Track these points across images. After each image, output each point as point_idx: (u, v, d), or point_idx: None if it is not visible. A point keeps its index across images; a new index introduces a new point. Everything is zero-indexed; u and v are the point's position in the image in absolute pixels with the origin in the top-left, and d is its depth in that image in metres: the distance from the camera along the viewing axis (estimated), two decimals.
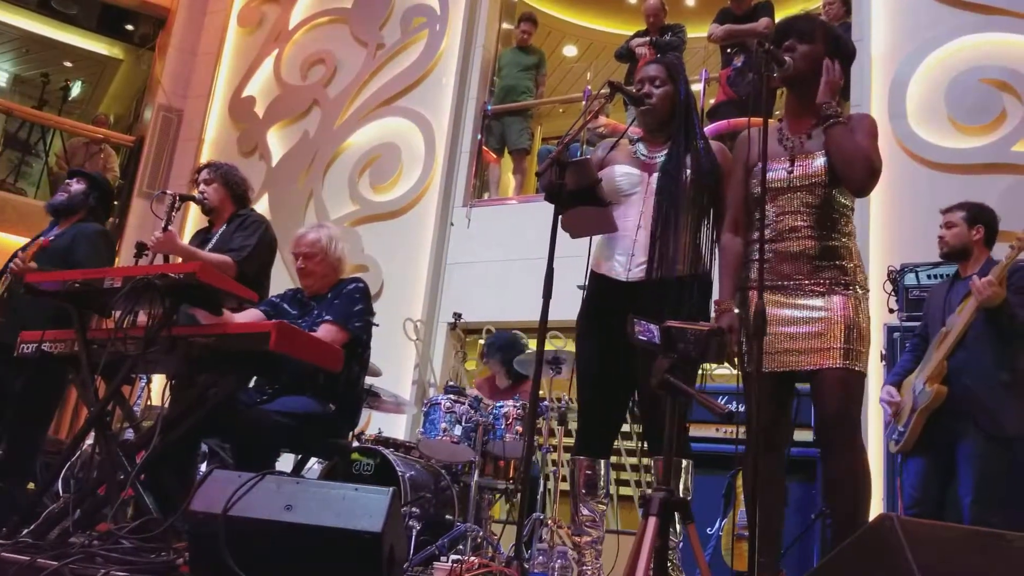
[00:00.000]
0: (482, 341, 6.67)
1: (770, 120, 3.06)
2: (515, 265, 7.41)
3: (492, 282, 7.63)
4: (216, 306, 3.59)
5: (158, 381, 5.20)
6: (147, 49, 11.57)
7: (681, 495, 3.33)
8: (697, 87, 7.54)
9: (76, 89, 13.27)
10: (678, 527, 3.23)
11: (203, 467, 4.65)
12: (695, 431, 4.82)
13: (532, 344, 6.66)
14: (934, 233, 4.63)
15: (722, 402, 3.73)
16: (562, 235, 3.21)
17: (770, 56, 3.07)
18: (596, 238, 3.60)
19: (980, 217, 4.48)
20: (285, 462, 4.30)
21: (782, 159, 3.21)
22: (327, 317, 4.14)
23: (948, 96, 6.33)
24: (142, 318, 3.45)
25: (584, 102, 8.17)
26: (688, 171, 3.45)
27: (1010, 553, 2.17)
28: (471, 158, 8.47)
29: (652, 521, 2.39)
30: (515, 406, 5.10)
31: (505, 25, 9.39)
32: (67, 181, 5.35)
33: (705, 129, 3.82)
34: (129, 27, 12.35)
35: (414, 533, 4.53)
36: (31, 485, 4.96)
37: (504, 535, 5.28)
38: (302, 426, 3.97)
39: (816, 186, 3.14)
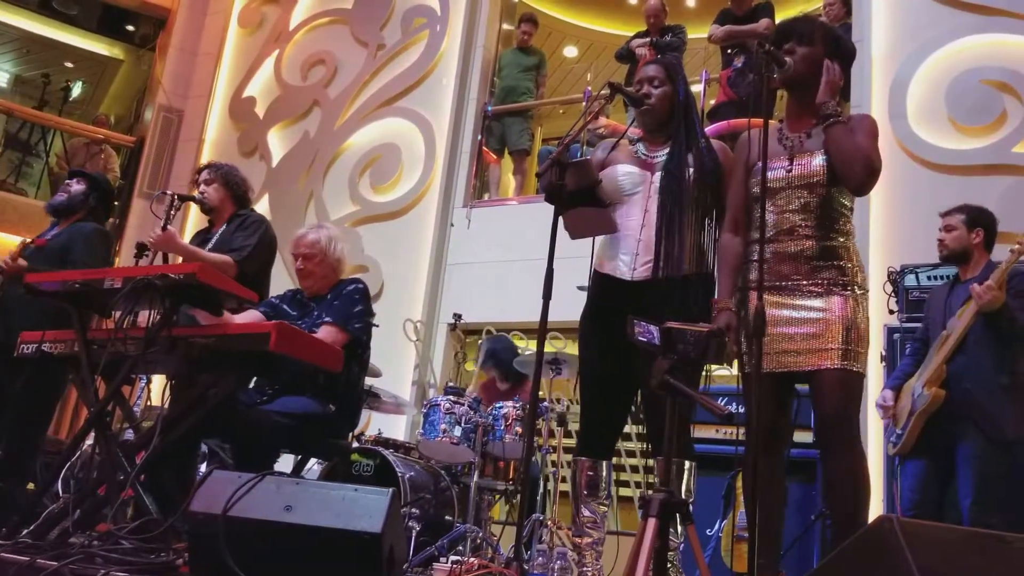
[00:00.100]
0: (481, 342, 6.67)
1: (770, 121, 3.06)
2: (515, 266, 7.41)
3: (492, 283, 7.63)
4: (216, 307, 3.59)
5: (158, 381, 5.21)
6: (148, 50, 11.57)
7: (683, 496, 3.33)
8: (697, 88, 7.55)
9: (77, 89, 13.27)
10: (679, 528, 3.23)
11: (203, 467, 4.65)
12: (695, 432, 4.82)
13: (531, 344, 6.66)
14: (934, 234, 4.63)
15: (722, 403, 3.73)
16: (562, 236, 3.21)
17: (770, 57, 3.07)
18: (599, 238, 3.60)
19: (979, 220, 4.48)
20: (285, 463, 4.30)
21: (781, 158, 3.21)
22: (327, 318, 4.13)
23: (948, 97, 6.33)
24: (142, 318, 3.45)
25: (584, 103, 8.17)
26: (691, 170, 3.46)
27: (1010, 555, 2.17)
28: (471, 159, 8.47)
29: (652, 522, 2.39)
30: (515, 407, 5.10)
31: (505, 26, 9.39)
32: (67, 181, 5.37)
33: (705, 130, 3.83)
34: (130, 28, 12.35)
35: (414, 534, 4.53)
36: (31, 485, 4.97)
37: (504, 536, 5.28)
38: (302, 426, 3.97)
39: (815, 185, 3.14)
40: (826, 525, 4.56)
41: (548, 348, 5.01)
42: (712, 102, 7.78)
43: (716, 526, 4.96)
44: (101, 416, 3.50)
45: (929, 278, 5.16)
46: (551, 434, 5.19)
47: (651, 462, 5.92)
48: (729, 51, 7.63)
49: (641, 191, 3.50)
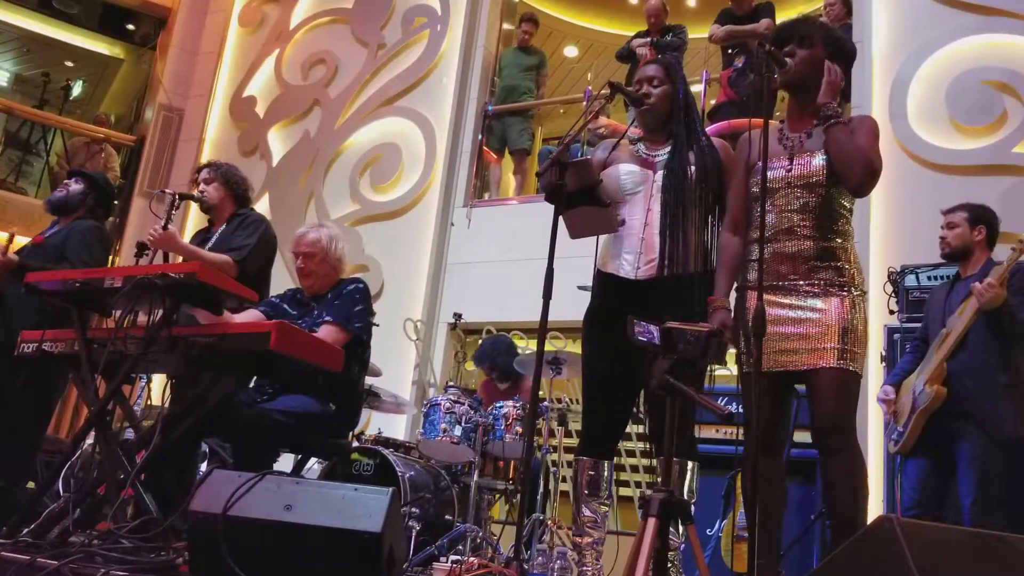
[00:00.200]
0: (479, 345, 6.67)
1: (771, 121, 3.06)
2: (515, 265, 7.40)
3: (492, 282, 7.63)
4: (216, 306, 3.59)
5: (158, 381, 5.20)
6: (148, 49, 11.56)
7: (685, 497, 3.34)
8: (698, 88, 7.55)
9: (77, 88, 13.27)
10: (680, 528, 3.22)
11: (203, 467, 4.66)
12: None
13: (532, 344, 6.66)
14: (935, 234, 4.63)
15: (722, 403, 3.73)
16: (562, 235, 3.22)
17: (771, 57, 3.07)
18: (603, 237, 3.60)
19: (982, 218, 4.48)
20: (285, 462, 4.30)
21: (781, 158, 3.21)
22: (327, 318, 4.13)
23: (949, 97, 6.32)
24: (142, 318, 3.45)
25: (585, 103, 8.17)
26: (693, 168, 3.46)
27: (1010, 554, 2.17)
28: (472, 158, 8.47)
29: (651, 522, 2.39)
30: (515, 406, 5.10)
31: (506, 25, 9.39)
32: (66, 181, 5.40)
33: (706, 130, 3.83)
34: (130, 27, 12.34)
35: (414, 533, 4.54)
36: (31, 484, 4.97)
37: (504, 535, 5.28)
38: (302, 426, 3.97)
39: (815, 185, 3.14)
40: (826, 525, 4.56)
41: (548, 347, 5.01)
42: (712, 102, 7.78)
43: (716, 526, 4.96)
44: (101, 415, 3.50)
45: (929, 278, 5.16)
46: (551, 433, 5.19)
47: (652, 461, 5.92)
48: (730, 51, 7.63)
49: (643, 190, 3.50)
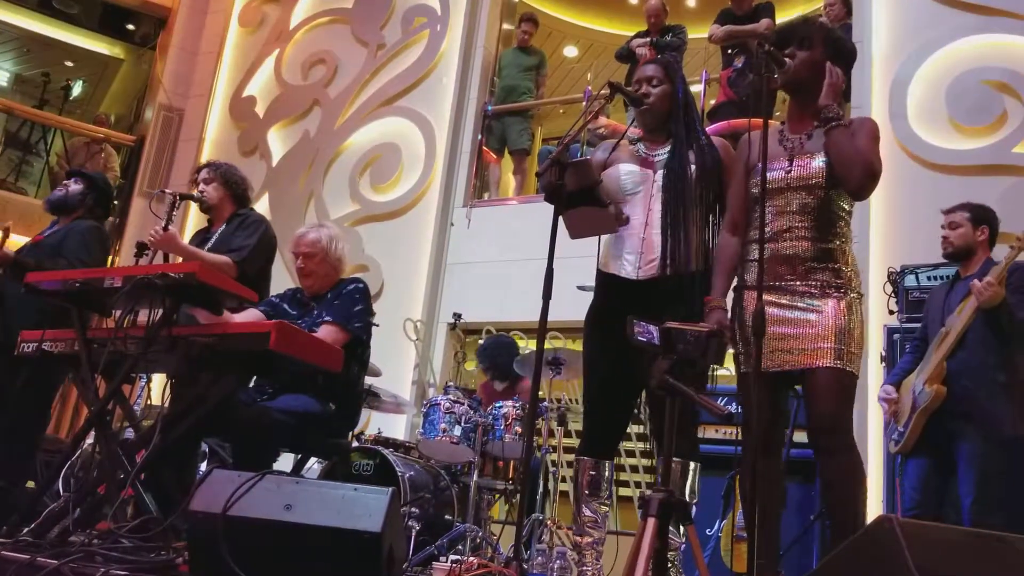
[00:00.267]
0: (481, 341, 6.67)
1: (772, 122, 3.06)
2: (515, 265, 7.40)
3: (492, 282, 7.63)
4: (216, 306, 3.59)
5: (158, 380, 5.21)
6: (148, 49, 11.57)
7: (687, 498, 3.33)
8: (698, 88, 7.55)
9: (77, 88, 13.27)
10: (681, 528, 3.22)
11: (203, 466, 4.66)
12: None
13: (531, 344, 6.66)
14: (934, 234, 4.63)
15: (722, 403, 3.73)
16: (562, 236, 3.22)
17: (771, 57, 3.07)
18: (604, 238, 3.60)
19: (984, 218, 4.48)
20: (284, 462, 4.30)
21: (781, 160, 3.21)
22: (327, 318, 4.14)
23: (949, 97, 6.32)
24: (142, 317, 3.45)
25: (584, 103, 8.18)
26: (693, 167, 3.46)
27: (1010, 554, 2.17)
28: (471, 158, 8.47)
29: (651, 522, 2.39)
30: (514, 406, 5.10)
31: (506, 25, 9.39)
32: (65, 181, 5.42)
33: (705, 129, 3.84)
34: (130, 27, 12.34)
35: (413, 533, 4.54)
36: (31, 484, 4.97)
37: (503, 535, 5.28)
38: (302, 425, 3.97)
39: (814, 187, 3.14)
40: (826, 526, 4.56)
41: (548, 347, 5.01)
42: (712, 102, 7.78)
43: (716, 526, 4.96)
44: (101, 415, 3.50)
45: (929, 278, 5.16)
46: (551, 433, 5.20)
47: (652, 461, 5.92)
48: (729, 51, 7.63)
49: (643, 190, 3.50)
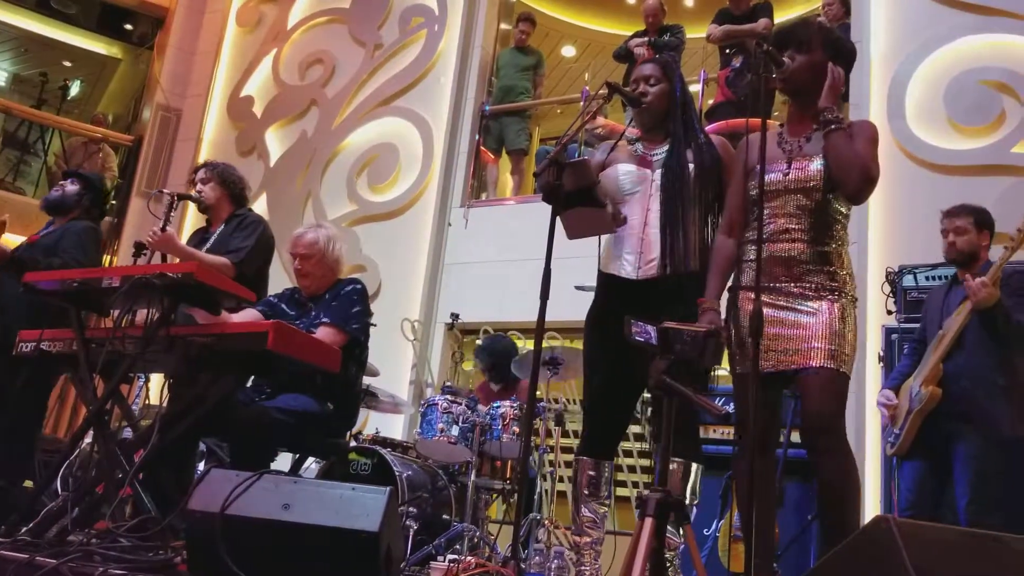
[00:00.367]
0: (479, 342, 6.68)
1: (771, 122, 3.06)
2: (512, 266, 7.41)
3: (490, 282, 7.64)
4: (214, 306, 3.59)
5: (156, 380, 5.21)
6: (146, 48, 11.57)
7: (688, 499, 3.33)
8: (696, 88, 7.55)
9: (75, 88, 13.27)
10: (680, 529, 3.22)
11: (201, 466, 4.66)
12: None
13: (529, 344, 6.66)
14: (932, 234, 4.62)
15: (719, 403, 3.73)
16: (560, 236, 3.22)
17: (769, 57, 3.07)
18: (604, 238, 3.60)
19: (987, 222, 4.46)
20: (283, 462, 4.31)
21: (780, 162, 3.20)
22: (325, 319, 4.14)
23: (947, 97, 6.33)
24: (140, 317, 3.45)
25: (582, 103, 8.18)
26: (691, 165, 3.46)
27: (1007, 555, 2.17)
28: (469, 158, 8.48)
29: (648, 522, 2.39)
30: (512, 406, 5.10)
31: (503, 25, 9.40)
32: (61, 181, 5.43)
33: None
34: (128, 27, 12.35)
35: (411, 533, 4.53)
36: (29, 483, 4.97)
37: (501, 535, 5.28)
38: (300, 425, 3.97)
39: (812, 190, 3.13)
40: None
41: (545, 347, 5.01)
42: (710, 102, 7.78)
43: (713, 526, 4.97)
44: (100, 415, 3.50)
45: (927, 278, 5.16)
46: (548, 434, 5.20)
47: (650, 461, 5.92)
48: (727, 51, 7.63)
49: (642, 189, 3.50)
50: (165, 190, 5.06)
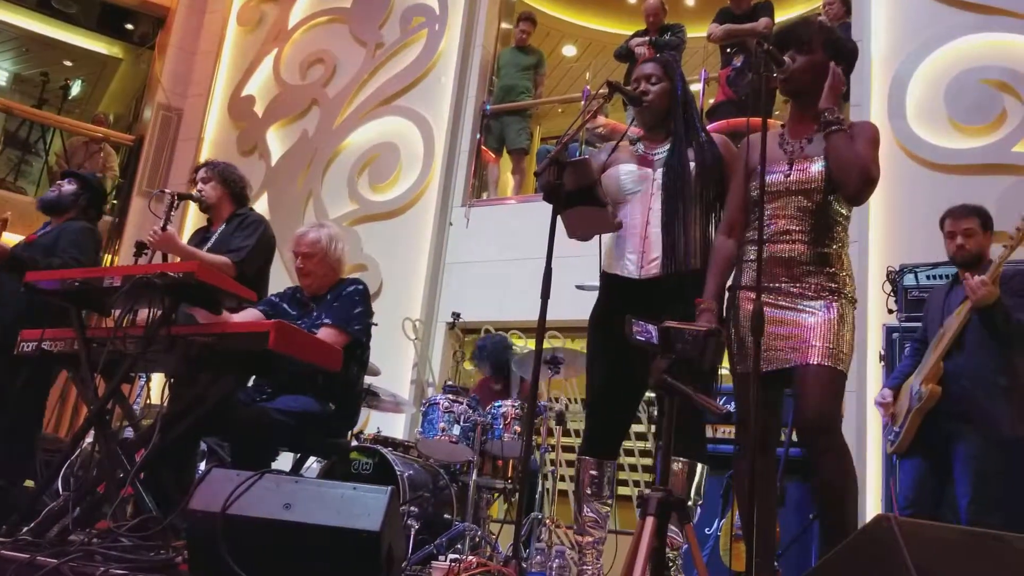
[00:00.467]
0: (477, 341, 6.68)
1: (773, 121, 3.05)
2: (513, 265, 7.41)
3: (491, 282, 7.64)
4: (215, 305, 3.59)
5: (157, 380, 5.20)
6: (147, 48, 11.58)
7: (692, 499, 3.33)
8: (697, 87, 7.55)
9: (76, 88, 13.27)
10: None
11: (202, 466, 4.66)
12: None
13: (530, 343, 6.66)
14: (933, 234, 4.61)
15: (721, 403, 3.73)
16: (560, 235, 3.21)
17: (769, 56, 3.07)
18: (605, 238, 3.60)
19: (990, 222, 4.45)
20: (284, 461, 4.31)
21: (781, 163, 3.19)
22: (327, 320, 4.14)
23: (948, 96, 6.33)
24: (141, 317, 3.45)
25: (583, 102, 8.18)
26: (693, 164, 3.45)
27: (1007, 554, 2.17)
28: (470, 158, 8.48)
29: (649, 521, 2.39)
30: (513, 406, 5.10)
31: (504, 25, 9.39)
32: (59, 181, 5.46)
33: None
34: (129, 26, 12.35)
35: (412, 532, 4.54)
36: (30, 483, 4.98)
37: (502, 534, 5.28)
38: (301, 425, 3.97)
39: (812, 192, 3.12)
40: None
41: (546, 346, 5.01)
42: (711, 101, 7.78)
43: (715, 525, 4.97)
44: (101, 414, 3.50)
45: (928, 277, 5.16)
46: (550, 433, 5.20)
47: (652, 460, 5.91)
48: (728, 50, 7.63)
49: (643, 189, 3.49)
50: (166, 190, 5.06)
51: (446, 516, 5.03)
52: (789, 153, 3.21)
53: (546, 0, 11.00)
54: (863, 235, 6.12)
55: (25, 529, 3.27)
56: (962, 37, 6.42)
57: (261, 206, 8.62)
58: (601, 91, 3.45)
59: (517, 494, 5.07)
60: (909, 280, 5.25)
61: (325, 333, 4.05)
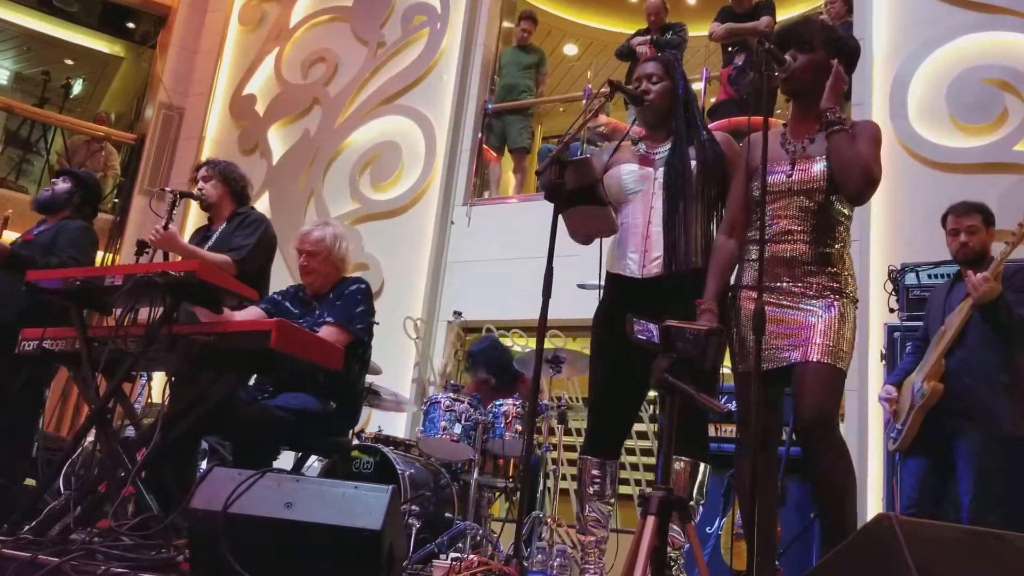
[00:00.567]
0: (470, 347, 6.68)
1: (775, 120, 3.05)
2: (515, 264, 7.40)
3: (492, 281, 7.63)
4: (216, 304, 3.59)
5: (159, 379, 5.21)
6: (148, 47, 11.57)
7: (695, 498, 3.33)
8: (698, 86, 7.55)
9: (77, 87, 13.27)
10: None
11: (203, 464, 4.66)
12: None
13: (531, 343, 6.66)
14: (935, 232, 4.61)
15: (723, 401, 3.73)
16: (562, 234, 3.21)
17: (771, 55, 3.06)
18: (606, 238, 3.59)
19: (992, 219, 4.45)
20: (285, 460, 4.31)
21: (783, 163, 3.19)
22: (329, 319, 4.14)
23: (949, 95, 6.32)
24: (142, 316, 3.45)
25: (584, 101, 8.18)
26: (694, 163, 3.45)
27: (1008, 552, 2.17)
28: (471, 157, 8.48)
29: (650, 520, 2.39)
30: (514, 404, 5.10)
31: (506, 24, 9.39)
32: (53, 180, 5.47)
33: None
34: (130, 25, 12.34)
35: (414, 531, 4.53)
36: (31, 482, 4.98)
37: (503, 533, 5.28)
38: (303, 423, 3.98)
39: (814, 192, 3.12)
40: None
41: (547, 346, 5.01)
42: (713, 100, 7.78)
43: (716, 524, 4.97)
44: (102, 413, 3.50)
45: (930, 276, 5.15)
46: (551, 431, 5.20)
47: (653, 459, 5.91)
48: (730, 49, 7.63)
49: (644, 188, 3.49)
50: (167, 188, 5.06)
51: (447, 515, 5.03)
52: (791, 153, 3.21)
53: None
54: (864, 234, 6.12)
55: (26, 528, 3.27)
56: (964, 36, 6.42)
57: (262, 205, 8.62)
58: (602, 90, 3.45)
59: (518, 493, 5.08)
60: (910, 279, 5.25)
61: (327, 332, 4.06)
